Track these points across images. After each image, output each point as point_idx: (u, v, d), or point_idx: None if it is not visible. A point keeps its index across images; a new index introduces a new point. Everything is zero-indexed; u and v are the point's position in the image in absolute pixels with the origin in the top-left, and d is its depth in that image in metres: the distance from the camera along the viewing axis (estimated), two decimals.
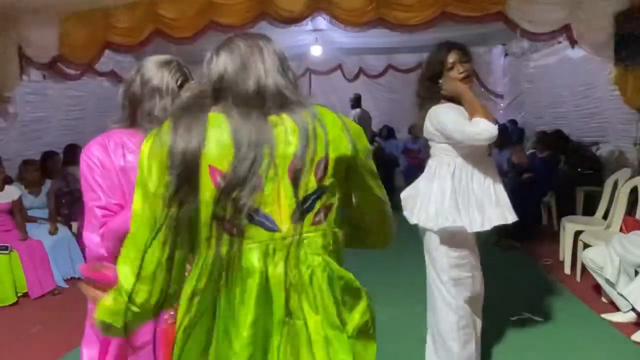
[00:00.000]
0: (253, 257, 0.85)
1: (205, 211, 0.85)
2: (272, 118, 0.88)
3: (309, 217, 0.88)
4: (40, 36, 4.34)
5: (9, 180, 4.04)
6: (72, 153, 5.01)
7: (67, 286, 3.72)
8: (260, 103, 0.89)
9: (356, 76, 7.98)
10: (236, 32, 1.02)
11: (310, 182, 0.87)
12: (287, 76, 0.94)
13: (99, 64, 5.72)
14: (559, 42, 4.81)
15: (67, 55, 4.38)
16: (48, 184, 4.13)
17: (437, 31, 4.46)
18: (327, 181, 0.89)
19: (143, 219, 0.86)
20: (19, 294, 3.40)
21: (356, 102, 6.33)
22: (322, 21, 5.04)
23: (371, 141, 6.72)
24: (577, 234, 3.37)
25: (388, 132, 7.73)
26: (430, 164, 2.12)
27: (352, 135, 0.92)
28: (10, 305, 3.30)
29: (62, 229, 3.96)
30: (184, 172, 0.84)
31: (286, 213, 0.87)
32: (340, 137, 0.91)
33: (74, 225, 4.26)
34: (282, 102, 0.90)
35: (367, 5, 3.87)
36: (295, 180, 0.87)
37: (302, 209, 0.87)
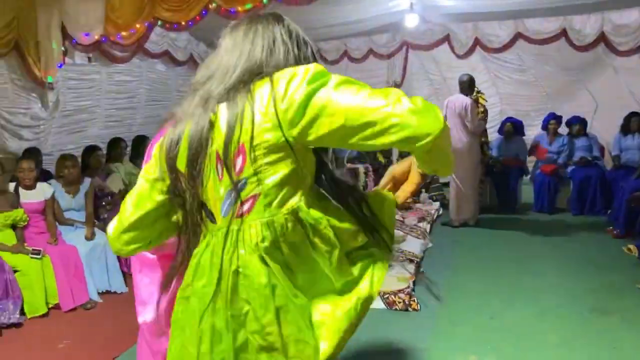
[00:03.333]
0: (202, 244, 1.24)
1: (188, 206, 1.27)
2: (213, 116, 1.19)
3: (232, 210, 1.18)
4: (84, 13, 5.07)
5: (44, 178, 4.77)
6: (117, 148, 5.75)
7: (101, 300, 4.29)
8: (216, 97, 1.20)
9: (470, 50, 7.89)
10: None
11: (232, 175, 1.17)
12: (279, 59, 1.21)
13: (151, 44, 6.51)
14: None
15: (111, 33, 5.06)
16: (87, 182, 4.76)
17: None
18: (248, 171, 1.16)
19: (135, 195, 1.33)
20: (50, 305, 4.02)
21: (468, 87, 6.24)
22: None
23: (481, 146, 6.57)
24: None
25: (514, 128, 7.48)
26: None
27: (287, 106, 1.11)
28: (40, 316, 3.92)
29: (100, 235, 4.56)
30: (170, 171, 1.26)
31: (218, 207, 1.20)
32: (266, 115, 1.13)
33: None
34: (232, 88, 1.19)
35: None
36: (220, 177, 1.19)
37: (227, 204, 1.19)
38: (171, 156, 1.24)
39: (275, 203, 1.17)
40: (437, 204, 7.12)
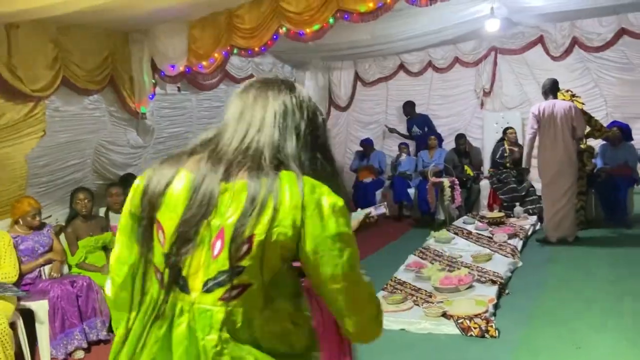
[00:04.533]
0: (167, 311, 1.14)
1: (152, 256, 1.20)
2: (224, 185, 1.13)
3: (219, 291, 1.11)
4: (171, 46, 5.41)
5: None
6: None
7: None
8: (231, 160, 1.15)
9: (567, 51, 7.34)
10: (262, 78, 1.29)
11: (229, 259, 1.10)
12: (291, 131, 1.18)
13: (236, 69, 6.83)
14: None
15: (193, 63, 5.34)
16: None
17: None
18: (247, 262, 1.10)
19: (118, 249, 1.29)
20: None
21: (549, 90, 5.82)
22: None
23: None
24: None
25: (622, 133, 6.77)
26: None
27: (307, 221, 1.09)
28: None
29: None
30: (147, 212, 1.20)
31: (200, 281, 1.12)
32: (286, 219, 1.09)
33: None
34: (253, 164, 1.14)
35: None
36: (215, 253, 1.11)
37: (214, 282, 1.11)
38: (152, 200, 1.17)
39: (263, 298, 1.13)
40: (534, 218, 6.63)
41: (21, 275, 3.79)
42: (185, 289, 1.13)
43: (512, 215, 6.76)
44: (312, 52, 7.57)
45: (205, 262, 1.12)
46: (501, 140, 7.32)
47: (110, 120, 5.61)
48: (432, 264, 4.96)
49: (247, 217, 1.09)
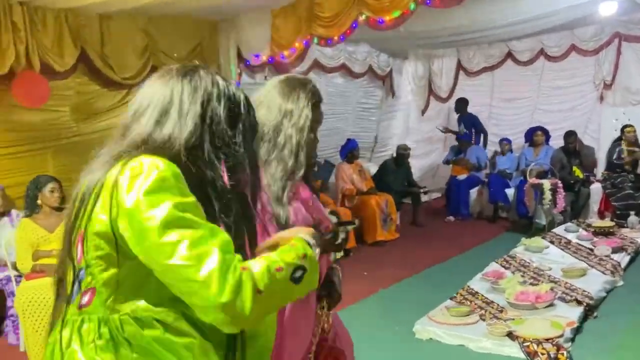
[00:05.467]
0: (56, 329, 1.08)
1: None
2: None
3: (77, 299, 1.04)
4: (255, 36, 5.45)
5: None
6: None
7: None
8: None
9: None
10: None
11: (74, 262, 1.05)
12: (173, 119, 1.07)
13: (328, 59, 6.76)
14: None
15: (276, 53, 5.34)
16: None
17: None
18: (83, 262, 1.03)
19: None
20: None
21: None
22: None
23: None
24: None
25: None
26: None
27: (117, 197, 0.97)
28: None
29: None
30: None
31: (67, 291, 1.07)
32: (104, 205, 1.00)
33: None
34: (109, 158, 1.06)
35: None
36: (77, 258, 1.05)
37: (75, 289, 1.05)
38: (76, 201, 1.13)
39: (110, 301, 1.02)
40: None
41: None
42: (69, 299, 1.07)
43: (625, 225, 5.98)
44: (409, 40, 7.24)
45: (71, 270, 1.07)
46: (619, 139, 6.49)
47: None
48: (514, 274, 4.52)
49: (77, 212, 1.04)
